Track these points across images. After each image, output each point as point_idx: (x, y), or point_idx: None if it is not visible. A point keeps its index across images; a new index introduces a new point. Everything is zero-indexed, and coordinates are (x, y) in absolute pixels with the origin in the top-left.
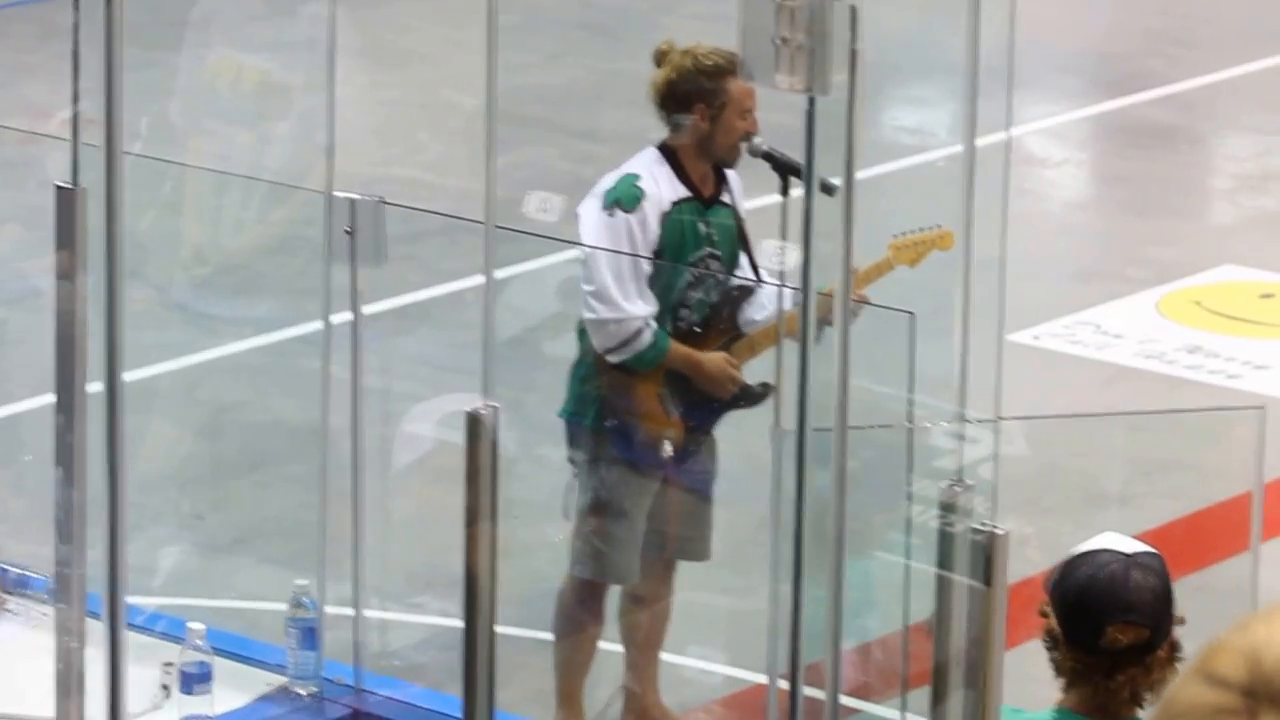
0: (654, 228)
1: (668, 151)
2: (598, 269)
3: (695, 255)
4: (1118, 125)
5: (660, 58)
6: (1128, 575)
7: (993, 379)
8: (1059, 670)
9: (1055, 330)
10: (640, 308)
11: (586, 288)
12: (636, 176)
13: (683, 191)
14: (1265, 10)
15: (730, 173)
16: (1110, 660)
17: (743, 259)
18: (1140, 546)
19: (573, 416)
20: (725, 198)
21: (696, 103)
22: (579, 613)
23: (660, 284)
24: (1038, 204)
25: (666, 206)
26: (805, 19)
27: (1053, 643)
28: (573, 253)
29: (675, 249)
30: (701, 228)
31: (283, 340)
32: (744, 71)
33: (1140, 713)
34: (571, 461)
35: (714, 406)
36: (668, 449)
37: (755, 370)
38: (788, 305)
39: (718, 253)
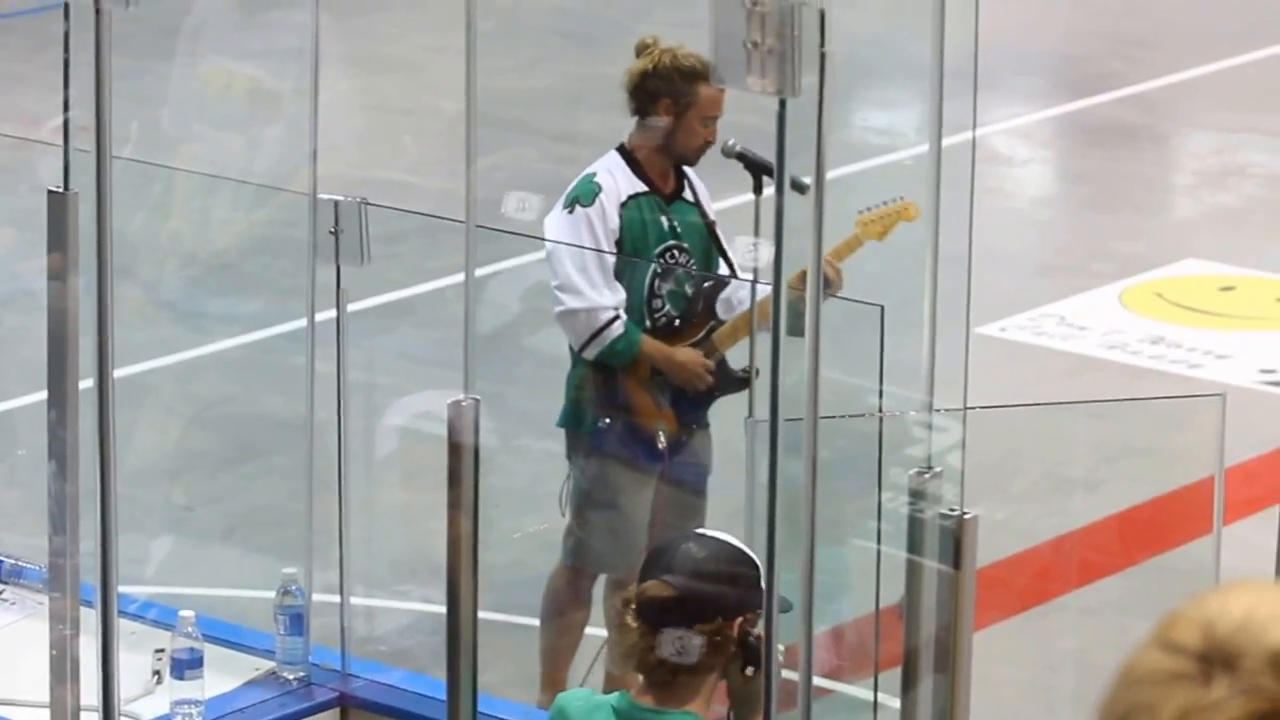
0: (613, 216)
1: (626, 153)
2: (561, 263)
3: (659, 247)
4: (1081, 125)
5: (641, 49)
6: (681, 543)
7: (961, 369)
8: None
9: (1021, 322)
10: (607, 297)
11: (553, 283)
12: (593, 174)
13: (640, 186)
14: (1223, 13)
15: (692, 174)
16: (648, 623)
17: (719, 258)
18: (728, 539)
19: (570, 424)
20: (688, 195)
21: (663, 98)
22: (567, 598)
23: (628, 277)
24: (1004, 201)
25: (624, 198)
26: (775, 23)
27: (620, 636)
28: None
29: (636, 240)
30: (663, 220)
31: (270, 337)
32: (715, 75)
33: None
34: (570, 460)
35: (701, 395)
36: (662, 441)
37: (738, 358)
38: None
39: (684, 245)
